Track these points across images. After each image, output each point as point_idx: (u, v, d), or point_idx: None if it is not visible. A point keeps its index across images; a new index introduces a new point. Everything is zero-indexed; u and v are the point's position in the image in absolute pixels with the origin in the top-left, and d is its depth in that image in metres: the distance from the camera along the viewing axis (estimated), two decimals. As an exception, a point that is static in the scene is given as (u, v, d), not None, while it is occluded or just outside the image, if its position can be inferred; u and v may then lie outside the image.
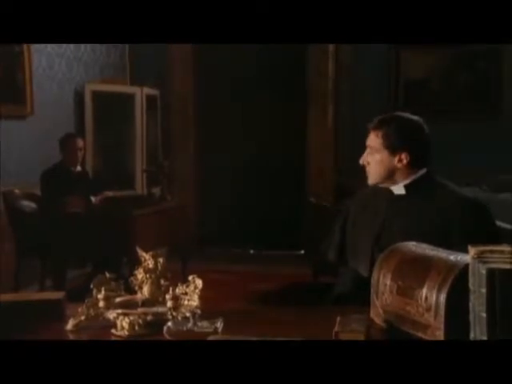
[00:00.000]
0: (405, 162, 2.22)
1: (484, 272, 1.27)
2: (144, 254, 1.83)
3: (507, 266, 1.26)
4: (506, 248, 1.30)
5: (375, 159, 2.25)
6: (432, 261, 1.58)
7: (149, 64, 6.52)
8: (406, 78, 5.87)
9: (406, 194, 2.25)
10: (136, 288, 1.81)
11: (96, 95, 5.87)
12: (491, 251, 1.30)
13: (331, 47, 6.08)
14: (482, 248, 1.31)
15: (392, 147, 2.23)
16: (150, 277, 1.79)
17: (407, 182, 2.25)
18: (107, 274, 1.82)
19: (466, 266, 1.39)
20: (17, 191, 4.60)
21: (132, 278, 1.82)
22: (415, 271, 1.59)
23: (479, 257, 1.30)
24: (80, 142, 4.79)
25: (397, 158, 2.22)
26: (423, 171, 2.25)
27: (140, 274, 1.80)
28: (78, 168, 4.82)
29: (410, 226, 2.16)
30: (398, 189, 2.26)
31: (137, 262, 1.84)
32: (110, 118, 5.99)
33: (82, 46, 5.90)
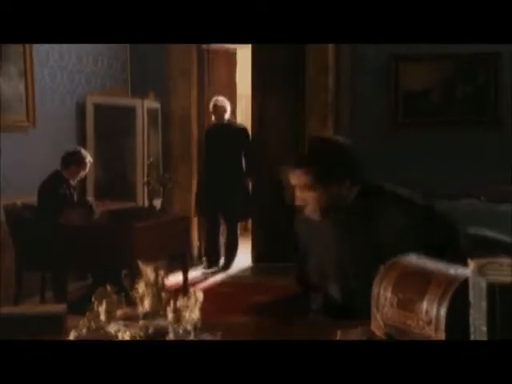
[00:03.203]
0: (346, 184, 2.09)
1: (484, 286, 1.27)
2: (145, 267, 1.83)
3: (507, 280, 1.27)
4: (505, 261, 1.30)
5: (312, 197, 2.06)
6: (432, 274, 1.58)
7: (150, 76, 6.56)
8: (406, 90, 5.90)
9: (353, 212, 2.11)
10: (137, 301, 1.81)
11: (97, 108, 5.90)
12: (491, 264, 1.30)
13: (331, 59, 6.11)
14: (481, 261, 1.31)
15: (326, 178, 2.05)
16: (151, 290, 1.79)
17: (351, 200, 2.11)
18: (108, 287, 1.82)
19: (466, 279, 1.39)
20: (18, 203, 4.61)
21: (133, 291, 1.82)
22: (415, 284, 1.60)
23: (479, 270, 1.30)
24: (89, 164, 4.81)
25: (336, 186, 2.07)
26: (360, 185, 2.13)
27: (141, 287, 1.80)
28: (76, 181, 4.83)
29: (356, 244, 2.08)
30: (344, 211, 2.12)
31: (138, 275, 1.84)
32: (111, 130, 6.02)
33: (84, 58, 5.94)
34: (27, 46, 5.04)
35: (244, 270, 6.48)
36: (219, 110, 6.33)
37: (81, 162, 4.69)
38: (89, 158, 4.76)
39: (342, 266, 2.14)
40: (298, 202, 2.10)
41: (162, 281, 1.82)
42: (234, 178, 6.31)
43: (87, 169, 4.80)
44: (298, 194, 2.09)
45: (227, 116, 6.40)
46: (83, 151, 4.80)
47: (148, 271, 1.83)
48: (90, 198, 4.99)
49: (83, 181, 5.45)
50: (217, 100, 6.36)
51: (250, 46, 6.58)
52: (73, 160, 4.67)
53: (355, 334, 1.59)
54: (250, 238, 6.86)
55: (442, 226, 2.10)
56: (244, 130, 6.50)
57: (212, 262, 6.39)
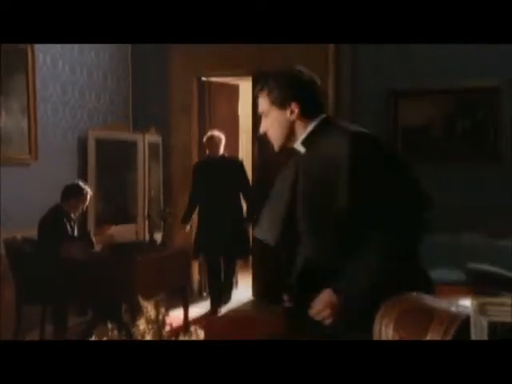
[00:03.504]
0: (296, 111, 2.10)
1: (485, 325, 1.27)
2: (146, 304, 1.83)
3: (509, 319, 1.26)
4: (507, 300, 1.30)
5: (270, 122, 2.14)
6: (433, 311, 1.58)
7: (151, 111, 6.62)
8: (405, 125, 5.94)
9: (306, 150, 2.12)
10: (138, 338, 1.80)
11: (99, 142, 5.94)
12: (492, 303, 1.30)
13: (331, 94, 6.17)
14: (482, 300, 1.31)
15: (279, 101, 2.11)
16: (152, 327, 1.78)
17: (304, 136, 2.12)
18: (109, 324, 1.81)
19: (468, 317, 1.39)
20: (18, 237, 4.62)
21: (134, 329, 1.81)
22: (417, 322, 1.59)
23: (480, 309, 1.30)
24: (88, 198, 4.83)
25: (288, 112, 2.10)
26: (318, 120, 2.12)
27: (142, 324, 1.79)
28: (78, 214, 4.84)
29: (311, 185, 2.05)
30: (298, 146, 2.15)
31: (138, 311, 1.84)
32: (112, 164, 6.05)
33: (87, 94, 6.00)
34: (30, 81, 5.10)
35: (245, 304, 6.44)
36: (214, 142, 5.92)
37: (80, 194, 4.71)
38: (88, 191, 4.78)
39: (293, 211, 2.09)
40: (261, 130, 2.17)
41: (163, 318, 1.81)
42: (232, 218, 5.86)
43: (87, 202, 4.81)
44: (262, 121, 2.17)
45: (222, 150, 5.99)
46: (82, 184, 4.82)
47: (149, 308, 1.82)
48: (90, 229, 4.98)
49: (84, 214, 5.46)
50: (212, 132, 6.02)
51: (250, 80, 6.67)
52: (72, 193, 4.69)
53: None
54: (250, 271, 6.84)
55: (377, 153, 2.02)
56: (240, 165, 6.14)
57: (214, 299, 6.08)
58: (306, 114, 2.11)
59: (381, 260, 1.94)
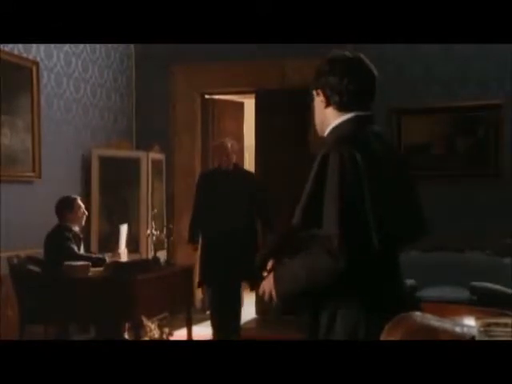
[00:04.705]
0: (324, 100, 1.96)
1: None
2: (149, 324, 1.83)
3: (513, 339, 1.27)
4: (510, 321, 1.30)
5: (315, 105, 2.03)
6: (437, 332, 1.57)
7: (155, 129, 6.65)
8: (407, 143, 5.95)
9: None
10: (141, 358, 1.80)
11: (102, 160, 5.96)
12: (496, 324, 1.30)
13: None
14: (487, 321, 1.32)
15: (312, 86, 2.00)
16: (156, 347, 1.78)
17: (329, 129, 1.98)
18: (113, 344, 1.81)
19: (473, 338, 1.39)
20: (22, 255, 4.61)
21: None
22: (422, 342, 1.59)
23: (485, 329, 1.31)
24: (82, 204, 4.82)
25: (320, 99, 1.98)
26: (348, 116, 1.94)
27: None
28: (81, 228, 4.84)
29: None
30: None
31: (141, 329, 1.84)
32: (116, 182, 6.07)
33: (90, 112, 6.04)
34: (35, 99, 5.13)
35: (248, 322, 6.42)
36: (225, 150, 5.05)
37: (72, 206, 4.70)
38: (78, 199, 4.76)
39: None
40: None
41: (167, 338, 1.82)
42: (242, 242, 4.96)
43: (82, 211, 4.74)
44: None
45: (234, 160, 5.13)
46: (72, 196, 4.83)
47: (152, 327, 1.83)
48: (107, 255, 4.93)
49: (87, 232, 5.47)
50: (223, 139, 5.24)
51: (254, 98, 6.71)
52: (64, 206, 4.68)
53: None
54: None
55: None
56: (253, 176, 5.49)
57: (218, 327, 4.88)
58: (335, 105, 1.95)
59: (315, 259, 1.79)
